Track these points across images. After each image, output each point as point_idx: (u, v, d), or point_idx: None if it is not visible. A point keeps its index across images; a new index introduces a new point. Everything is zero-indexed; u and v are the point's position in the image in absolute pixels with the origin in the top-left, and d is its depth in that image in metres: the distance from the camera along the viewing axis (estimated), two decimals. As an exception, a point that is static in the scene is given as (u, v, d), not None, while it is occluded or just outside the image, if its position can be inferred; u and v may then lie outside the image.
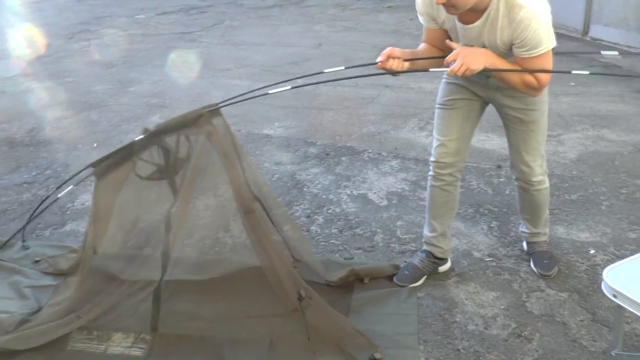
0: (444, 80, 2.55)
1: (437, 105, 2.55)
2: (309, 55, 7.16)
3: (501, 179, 3.78)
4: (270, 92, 2.25)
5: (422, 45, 2.47)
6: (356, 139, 4.57)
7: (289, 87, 2.29)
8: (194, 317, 2.42)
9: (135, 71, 6.72)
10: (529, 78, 2.17)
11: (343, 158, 4.20)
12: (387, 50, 2.27)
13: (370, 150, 4.32)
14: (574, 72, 2.22)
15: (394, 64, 2.26)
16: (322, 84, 5.06)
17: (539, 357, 2.23)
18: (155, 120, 5.10)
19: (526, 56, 2.12)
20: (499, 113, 2.52)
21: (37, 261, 2.83)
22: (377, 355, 2.20)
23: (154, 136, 2.17)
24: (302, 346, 2.27)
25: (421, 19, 2.39)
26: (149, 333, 2.35)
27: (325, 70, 2.37)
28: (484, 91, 2.44)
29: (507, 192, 3.59)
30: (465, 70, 2.09)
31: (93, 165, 2.24)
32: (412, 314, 2.47)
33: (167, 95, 5.87)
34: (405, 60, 2.29)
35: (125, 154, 2.19)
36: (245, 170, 2.34)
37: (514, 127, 2.47)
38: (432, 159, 2.59)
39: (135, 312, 2.43)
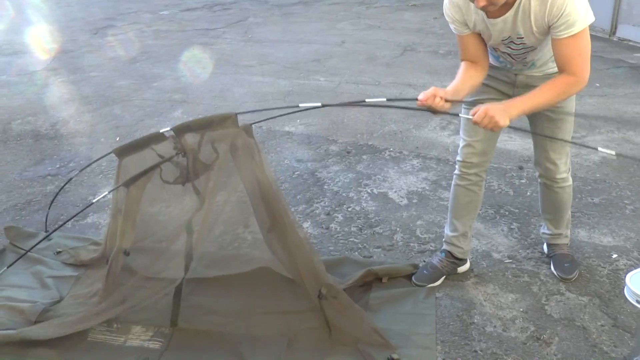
0: None
1: (463, 106, 2.53)
2: (332, 53, 7.16)
3: (522, 180, 3.74)
4: (301, 106, 2.23)
5: (462, 66, 2.37)
6: (377, 137, 4.56)
7: (320, 104, 2.28)
8: (213, 312, 2.44)
9: (158, 67, 6.79)
10: (564, 80, 2.12)
11: (364, 156, 4.20)
12: (431, 90, 2.18)
13: (391, 149, 4.31)
14: (600, 149, 2.14)
15: (438, 104, 2.17)
16: (344, 82, 5.06)
17: (558, 361, 2.21)
18: (177, 115, 5.15)
19: (563, 36, 2.06)
20: (529, 117, 2.49)
21: (58, 252, 2.87)
22: (395, 356, 2.20)
23: (180, 131, 2.18)
24: (319, 344, 2.28)
25: (453, 28, 2.34)
26: (168, 327, 2.37)
27: (367, 100, 2.33)
28: (512, 89, 2.43)
29: (528, 193, 3.56)
30: (489, 124, 2.07)
31: (117, 154, 2.25)
32: (430, 314, 2.47)
33: (189, 91, 5.91)
34: (447, 100, 2.20)
35: (155, 165, 2.22)
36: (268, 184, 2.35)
37: (541, 124, 2.44)
38: (458, 158, 2.58)
39: (155, 306, 2.45)
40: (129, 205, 2.27)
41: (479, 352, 2.26)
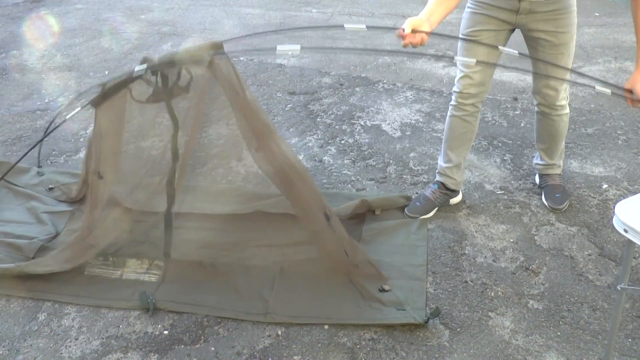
0: (468, 9, 2.46)
1: (461, 36, 2.48)
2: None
3: (517, 112, 3.73)
4: (278, 48, 2.10)
5: None
6: (371, 69, 4.50)
7: (299, 47, 2.13)
8: (206, 246, 2.47)
9: (146, -3, 6.60)
10: None
11: (357, 89, 4.15)
12: (408, 24, 2.01)
13: (385, 81, 4.27)
14: (597, 88, 2.05)
15: (416, 40, 2.02)
16: (337, 14, 4.94)
17: (545, 290, 2.27)
18: (166, 48, 5.05)
19: None
20: (528, 38, 2.44)
21: (51, 188, 2.88)
22: (386, 287, 2.24)
23: (154, 68, 2.12)
24: (312, 272, 2.32)
25: None
26: (162, 259, 2.41)
27: (346, 25, 2.18)
28: (514, 17, 2.36)
29: (522, 124, 3.55)
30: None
31: (95, 105, 2.19)
32: (422, 246, 2.50)
33: (178, 23, 5.77)
34: (428, 33, 2.04)
35: (123, 83, 2.15)
36: (251, 102, 2.27)
37: (544, 50, 2.40)
38: (455, 89, 2.55)
39: (147, 238, 2.48)
40: (101, 125, 2.22)
41: (469, 282, 2.31)
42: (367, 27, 2.15)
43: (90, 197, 2.40)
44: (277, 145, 2.19)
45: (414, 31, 2.00)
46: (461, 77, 2.51)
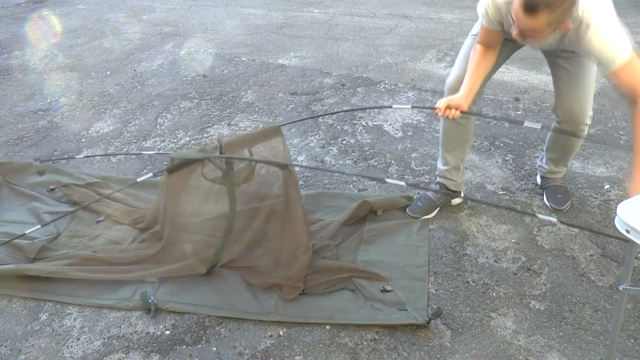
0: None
1: (471, 35, 2.47)
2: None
3: (518, 112, 3.72)
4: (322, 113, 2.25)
5: (477, 51, 2.31)
6: (373, 69, 4.50)
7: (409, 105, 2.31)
8: (208, 245, 2.45)
9: (148, -2, 6.61)
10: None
11: (359, 89, 4.15)
12: (444, 102, 2.25)
13: (386, 82, 4.26)
14: (526, 123, 2.19)
15: (451, 114, 2.25)
16: (339, 14, 4.97)
17: (546, 290, 2.26)
18: (168, 48, 5.05)
19: (612, 70, 2.01)
20: (545, 54, 2.43)
21: (52, 189, 2.88)
22: (388, 288, 2.25)
23: (227, 148, 2.20)
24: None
25: (484, 21, 2.23)
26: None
27: (394, 106, 2.40)
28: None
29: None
30: None
31: (169, 172, 2.25)
32: (423, 246, 2.50)
33: (180, 23, 5.78)
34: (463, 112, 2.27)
35: (198, 160, 2.21)
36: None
37: (565, 62, 2.37)
38: (445, 87, 2.53)
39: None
40: (169, 191, 2.28)
41: (471, 282, 2.31)
42: (412, 106, 2.41)
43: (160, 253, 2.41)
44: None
45: (449, 107, 2.25)
46: (454, 74, 2.49)
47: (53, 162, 3.16)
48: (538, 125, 2.21)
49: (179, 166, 2.19)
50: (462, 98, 2.26)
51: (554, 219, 2.33)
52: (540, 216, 1.98)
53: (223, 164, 2.19)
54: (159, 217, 2.46)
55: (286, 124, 2.48)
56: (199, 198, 2.33)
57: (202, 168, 2.20)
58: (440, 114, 2.26)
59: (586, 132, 2.52)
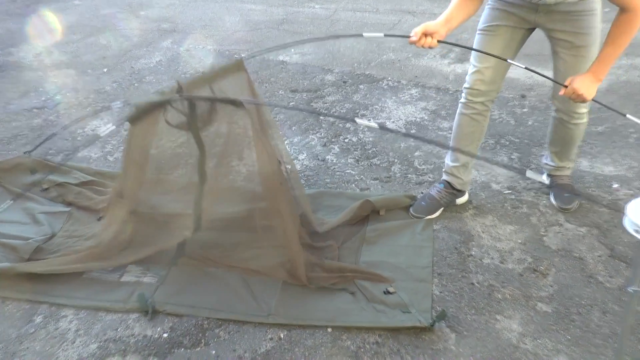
0: (488, 6, 2.45)
1: (478, 31, 2.47)
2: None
3: (524, 109, 3.71)
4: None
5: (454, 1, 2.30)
6: (375, 66, 4.49)
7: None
8: (208, 247, 2.46)
9: (145, -7, 6.61)
10: (625, 19, 2.11)
11: (361, 86, 4.14)
12: (421, 28, 2.19)
13: (389, 78, 4.26)
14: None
15: (426, 42, 2.20)
16: (340, 10, 4.95)
17: (554, 292, 2.25)
18: (167, 45, 5.04)
19: None
20: (548, 38, 2.42)
21: (45, 189, 2.87)
22: (391, 289, 2.24)
23: (186, 98, 2.16)
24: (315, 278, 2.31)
25: None
26: (166, 267, 2.40)
27: (365, 34, 2.34)
28: (533, 15, 2.34)
29: (530, 122, 3.54)
30: (577, 99, 2.21)
31: (131, 122, 2.22)
32: (427, 247, 2.49)
33: (178, 19, 5.77)
34: (439, 41, 2.23)
35: (159, 104, 2.18)
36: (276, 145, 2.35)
37: (564, 52, 2.38)
38: (465, 85, 2.54)
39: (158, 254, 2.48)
40: (132, 144, 2.24)
41: (476, 284, 2.30)
42: (385, 34, 2.38)
43: (108, 214, 2.39)
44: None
45: (425, 35, 2.18)
46: (472, 72, 2.50)
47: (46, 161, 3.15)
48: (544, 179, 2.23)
49: (141, 114, 2.13)
50: (439, 25, 2.21)
51: (544, 180, 2.27)
52: (530, 174, 1.96)
53: (185, 106, 2.14)
54: (127, 174, 2.36)
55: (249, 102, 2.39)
56: (167, 150, 2.29)
57: (165, 114, 2.15)
58: (416, 42, 2.20)
59: (584, 121, 2.58)
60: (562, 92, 2.23)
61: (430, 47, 2.22)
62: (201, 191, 2.34)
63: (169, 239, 2.44)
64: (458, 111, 2.62)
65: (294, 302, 2.21)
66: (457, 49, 4.73)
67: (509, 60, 2.34)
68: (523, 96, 3.88)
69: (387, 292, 2.23)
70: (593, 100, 2.26)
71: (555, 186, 2.79)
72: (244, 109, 2.11)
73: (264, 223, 2.39)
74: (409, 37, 2.21)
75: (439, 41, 2.21)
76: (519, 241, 2.54)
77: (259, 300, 2.21)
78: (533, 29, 2.44)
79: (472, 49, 2.47)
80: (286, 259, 2.33)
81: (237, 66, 2.22)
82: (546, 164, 2.84)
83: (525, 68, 2.27)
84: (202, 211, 2.37)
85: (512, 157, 3.18)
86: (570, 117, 2.55)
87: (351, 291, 2.25)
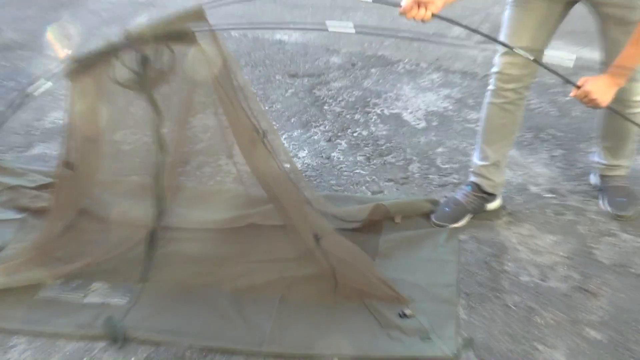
0: None
1: (508, 4, 2.45)
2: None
3: (568, 97, 3.68)
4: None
5: None
6: (389, 46, 4.50)
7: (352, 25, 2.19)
8: (189, 262, 2.44)
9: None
10: None
11: (373, 70, 4.15)
12: None
13: (406, 61, 4.27)
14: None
15: (418, 14, 2.11)
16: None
17: (606, 316, 2.22)
18: (142, 21, 5.03)
19: None
20: (595, 14, 2.39)
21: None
22: (408, 312, 2.21)
23: (134, 41, 2.12)
24: (318, 299, 2.29)
25: None
26: (137, 283, 2.37)
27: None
28: None
29: (576, 113, 3.53)
30: (589, 104, 2.16)
31: (71, 77, 2.19)
32: (451, 261, 2.48)
33: (156, -10, 5.78)
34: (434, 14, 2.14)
35: (104, 55, 2.15)
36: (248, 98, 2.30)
37: (614, 30, 2.33)
38: (494, 69, 2.52)
39: (123, 259, 2.45)
40: (76, 105, 2.21)
41: (512, 306, 2.27)
42: (373, 0, 2.25)
43: (54, 196, 2.36)
44: (268, 147, 2.23)
45: (418, 4, 2.08)
46: (502, 54, 2.48)
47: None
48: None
49: (81, 68, 2.10)
50: None
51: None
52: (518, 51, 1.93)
53: (135, 61, 2.10)
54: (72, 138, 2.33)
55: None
56: (117, 117, 2.29)
57: (111, 70, 2.12)
58: (406, 13, 2.11)
59: (638, 111, 2.53)
60: (573, 93, 2.20)
61: (423, 21, 2.13)
62: (161, 164, 2.30)
63: (129, 233, 2.43)
64: (486, 100, 2.61)
65: (293, 327, 2.18)
66: (486, 24, 4.71)
67: (515, 49, 2.25)
68: (568, 81, 3.86)
69: (402, 316, 2.20)
70: None
71: (608, 189, 2.77)
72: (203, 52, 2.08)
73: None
74: (398, 6, 2.12)
75: (434, 15, 2.11)
76: (564, 254, 2.52)
77: (251, 324, 2.19)
78: (574, 2, 2.40)
79: (475, 30, 2.38)
80: (288, 274, 2.34)
81: (196, 15, 2.15)
82: (597, 162, 2.82)
83: (534, 60, 2.20)
84: (164, 191, 2.33)
85: (555, 153, 3.17)
86: (624, 107, 2.50)
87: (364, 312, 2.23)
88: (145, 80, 2.13)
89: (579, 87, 2.16)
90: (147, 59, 2.10)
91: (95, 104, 2.21)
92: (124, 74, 2.12)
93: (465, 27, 2.17)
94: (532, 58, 2.13)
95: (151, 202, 2.37)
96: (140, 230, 2.43)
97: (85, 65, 2.11)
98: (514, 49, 2.23)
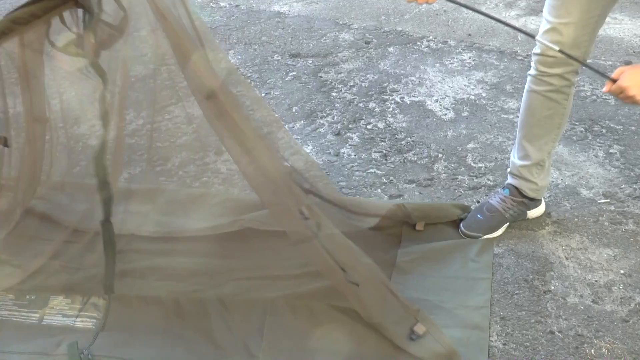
0: None
1: None
2: None
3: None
4: None
5: None
6: (411, 19, 4.51)
7: None
8: (168, 276, 2.48)
9: None
10: None
11: (390, 49, 4.16)
12: None
13: (431, 37, 4.27)
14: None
15: None
16: None
17: (672, 344, 2.26)
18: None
19: None
20: None
21: None
22: (419, 330, 2.16)
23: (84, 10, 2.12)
24: (316, 314, 2.32)
25: None
26: (102, 296, 2.41)
27: None
28: None
29: (637, 102, 3.54)
30: (627, 100, 2.12)
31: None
32: (484, 279, 2.49)
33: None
34: None
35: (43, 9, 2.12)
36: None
37: None
38: (535, 50, 2.52)
39: (80, 265, 2.49)
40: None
41: (557, 333, 2.29)
42: None
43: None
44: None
45: None
46: (546, 31, 2.47)
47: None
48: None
49: (13, 23, 2.05)
50: None
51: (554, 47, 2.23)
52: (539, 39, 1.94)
53: (77, 18, 2.08)
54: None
55: None
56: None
57: (48, 30, 2.11)
58: None
59: None
60: (606, 88, 2.17)
61: (427, 2, 2.19)
62: (104, 139, 2.31)
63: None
64: (526, 88, 2.61)
65: (287, 351, 2.21)
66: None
67: (516, 27, 2.27)
68: (628, 63, 3.89)
69: (413, 336, 2.17)
70: None
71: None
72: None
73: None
74: None
75: None
76: (622, 272, 2.54)
77: (240, 349, 2.21)
78: None
79: (484, 14, 2.39)
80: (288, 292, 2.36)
81: None
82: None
83: (559, 51, 2.20)
84: (106, 170, 2.35)
85: (611, 151, 3.19)
86: None
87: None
88: (88, 39, 2.09)
89: (614, 81, 2.12)
90: (92, 10, 2.06)
91: (33, 69, 2.22)
92: (64, 35, 2.10)
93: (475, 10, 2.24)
94: (557, 49, 2.15)
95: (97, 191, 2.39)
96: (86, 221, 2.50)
97: (16, 21, 2.08)
98: (534, 38, 2.26)
